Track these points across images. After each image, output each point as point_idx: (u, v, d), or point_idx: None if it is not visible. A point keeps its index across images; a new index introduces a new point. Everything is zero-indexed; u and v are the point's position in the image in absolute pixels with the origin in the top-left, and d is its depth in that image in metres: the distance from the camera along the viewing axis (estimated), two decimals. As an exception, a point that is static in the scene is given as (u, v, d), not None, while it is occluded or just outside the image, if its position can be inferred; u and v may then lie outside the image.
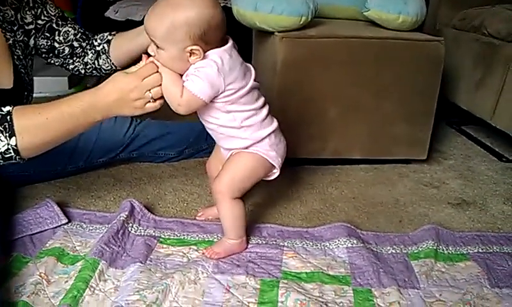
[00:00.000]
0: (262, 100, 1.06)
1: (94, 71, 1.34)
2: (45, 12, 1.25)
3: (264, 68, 1.68)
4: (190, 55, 0.93)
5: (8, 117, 0.93)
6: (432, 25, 2.17)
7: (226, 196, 1.04)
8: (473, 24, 1.91)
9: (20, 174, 1.31)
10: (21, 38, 1.21)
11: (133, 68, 0.97)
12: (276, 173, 1.10)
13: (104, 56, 1.30)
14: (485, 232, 1.21)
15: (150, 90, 0.94)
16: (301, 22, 1.44)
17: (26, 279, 0.93)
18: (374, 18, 1.59)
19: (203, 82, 0.93)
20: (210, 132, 1.07)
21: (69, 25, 1.29)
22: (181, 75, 0.96)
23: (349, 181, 1.50)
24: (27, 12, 1.22)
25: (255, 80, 1.03)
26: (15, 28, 1.18)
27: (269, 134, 1.05)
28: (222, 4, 2.85)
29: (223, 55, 0.94)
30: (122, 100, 0.94)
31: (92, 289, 0.92)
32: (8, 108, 0.94)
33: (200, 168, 1.53)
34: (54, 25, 1.27)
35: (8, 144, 0.93)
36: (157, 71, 0.94)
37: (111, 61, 1.30)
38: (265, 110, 1.05)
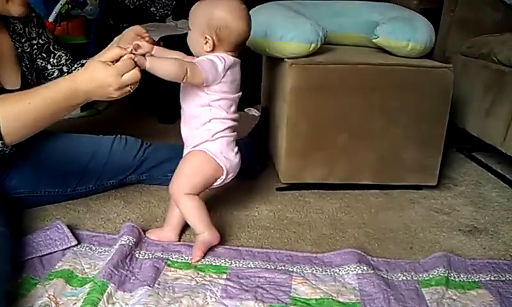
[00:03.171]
0: (236, 115, 1.20)
1: None
2: (45, 33, 1.34)
3: (273, 94, 1.70)
4: (205, 43, 1.12)
5: None
6: (442, 52, 2.18)
7: (179, 194, 1.15)
8: (482, 51, 1.92)
9: (30, 195, 1.32)
10: (28, 50, 1.29)
11: (108, 54, 1.01)
12: (223, 178, 1.18)
13: None
14: (497, 260, 1.20)
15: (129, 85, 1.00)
16: (311, 49, 1.46)
17: (35, 301, 0.93)
18: (383, 45, 1.60)
19: (209, 65, 1.10)
20: (183, 123, 1.20)
21: (62, 50, 1.38)
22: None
23: (359, 207, 1.49)
24: (33, 28, 1.30)
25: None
26: (23, 40, 1.27)
27: (223, 138, 1.17)
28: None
29: (230, 60, 1.14)
30: (102, 89, 1.00)
31: (100, 312, 0.91)
32: None
33: (208, 191, 1.53)
34: (51, 48, 1.35)
35: None
36: (135, 67, 1.00)
37: None
38: (231, 123, 1.19)
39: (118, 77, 0.98)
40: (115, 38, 1.27)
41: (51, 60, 1.35)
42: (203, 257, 1.13)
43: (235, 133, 1.22)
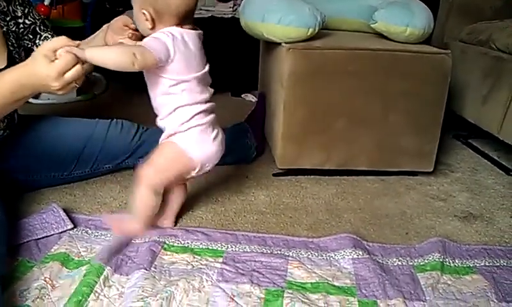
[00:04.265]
0: (205, 96, 1.11)
1: None
2: (31, 13, 1.31)
3: (270, 79, 1.69)
4: (146, 20, 1.03)
5: None
6: (440, 38, 2.17)
7: (146, 184, 1.09)
8: (481, 38, 1.91)
9: (26, 179, 1.32)
10: (14, 29, 1.26)
11: (51, 44, 0.95)
12: (197, 169, 1.12)
13: None
14: (492, 245, 1.21)
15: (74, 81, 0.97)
16: (309, 34, 1.45)
17: (31, 284, 0.93)
18: (381, 31, 1.59)
19: (156, 42, 1.00)
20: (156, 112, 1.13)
21: (48, 31, 1.35)
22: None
23: (355, 193, 1.49)
24: (18, 6, 1.27)
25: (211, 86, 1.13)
26: (8, 19, 1.24)
27: (195, 127, 1.09)
28: (230, 15, 2.88)
29: (180, 33, 1.03)
30: (45, 87, 0.97)
31: (97, 294, 0.92)
32: None
33: (205, 176, 1.53)
34: (37, 29, 1.33)
35: None
36: (77, 62, 0.95)
37: None
38: (201, 106, 1.10)
39: (60, 76, 0.94)
40: (103, 26, 1.24)
41: (37, 41, 1.33)
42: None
43: (212, 115, 1.13)
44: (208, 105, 1.12)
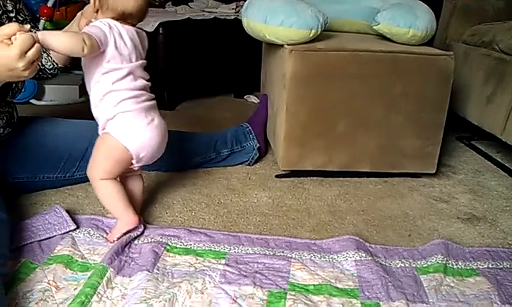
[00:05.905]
0: (137, 83, 1.12)
1: (39, 73, 1.35)
2: (23, 10, 1.31)
3: (272, 81, 1.69)
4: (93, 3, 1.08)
5: None
6: (443, 40, 2.17)
7: (93, 179, 1.13)
8: (484, 40, 1.91)
9: (29, 180, 1.32)
10: (6, 23, 1.24)
11: (5, 29, 0.95)
12: (134, 160, 1.12)
13: (44, 55, 1.31)
14: (495, 247, 1.20)
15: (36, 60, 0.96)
16: (311, 35, 1.45)
17: (34, 286, 0.93)
18: (383, 32, 1.59)
19: (95, 29, 1.05)
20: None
21: (35, 29, 1.34)
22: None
23: (358, 194, 1.49)
24: (8, 1, 1.26)
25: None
26: (0, 12, 1.21)
27: (125, 113, 1.10)
28: (233, 17, 2.87)
29: (115, 25, 1.07)
30: (10, 71, 0.96)
31: (100, 296, 0.92)
32: None
33: (208, 178, 1.53)
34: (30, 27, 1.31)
35: None
36: (35, 41, 0.95)
37: (51, 58, 1.31)
38: (132, 93, 1.10)
39: (22, 55, 0.94)
40: (78, 14, 1.25)
41: None
42: (201, 243, 1.14)
43: (145, 104, 1.13)
44: (138, 92, 1.12)
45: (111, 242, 1.11)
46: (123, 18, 1.09)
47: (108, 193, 1.13)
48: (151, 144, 1.14)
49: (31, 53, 0.95)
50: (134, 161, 1.14)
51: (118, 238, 1.11)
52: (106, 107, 1.10)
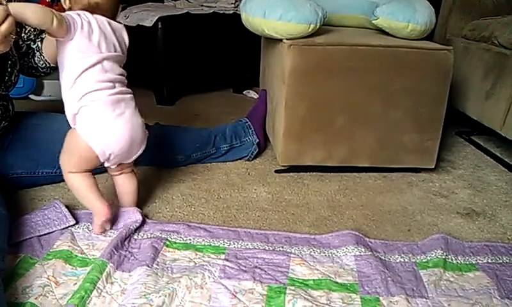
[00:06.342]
0: (110, 76, 1.10)
1: (33, 71, 1.34)
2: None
3: (271, 76, 1.69)
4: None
5: None
6: (442, 34, 2.17)
7: (63, 171, 1.12)
8: (483, 34, 1.90)
9: (28, 176, 1.32)
10: None
11: None
12: (102, 157, 1.10)
13: (37, 53, 1.30)
14: (495, 242, 1.20)
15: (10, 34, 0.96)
16: (310, 30, 1.44)
17: (33, 281, 0.93)
18: (383, 27, 1.59)
19: (67, 17, 1.04)
20: None
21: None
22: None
23: (357, 189, 1.49)
24: None
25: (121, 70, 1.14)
26: None
27: (86, 107, 1.07)
28: (232, 11, 2.87)
29: (85, 14, 1.07)
30: None
31: (99, 291, 0.92)
32: None
33: (208, 173, 1.53)
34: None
35: None
36: (8, 14, 0.95)
37: (44, 57, 1.30)
38: (100, 85, 1.08)
39: None
40: None
41: (23, 34, 1.31)
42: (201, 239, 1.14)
43: (115, 97, 1.10)
44: (107, 84, 1.09)
45: (99, 233, 1.12)
46: (90, 9, 1.09)
47: (77, 186, 1.13)
48: (119, 141, 1.10)
49: (4, 27, 0.94)
50: (102, 159, 1.11)
51: (100, 232, 1.12)
52: (72, 100, 1.08)
